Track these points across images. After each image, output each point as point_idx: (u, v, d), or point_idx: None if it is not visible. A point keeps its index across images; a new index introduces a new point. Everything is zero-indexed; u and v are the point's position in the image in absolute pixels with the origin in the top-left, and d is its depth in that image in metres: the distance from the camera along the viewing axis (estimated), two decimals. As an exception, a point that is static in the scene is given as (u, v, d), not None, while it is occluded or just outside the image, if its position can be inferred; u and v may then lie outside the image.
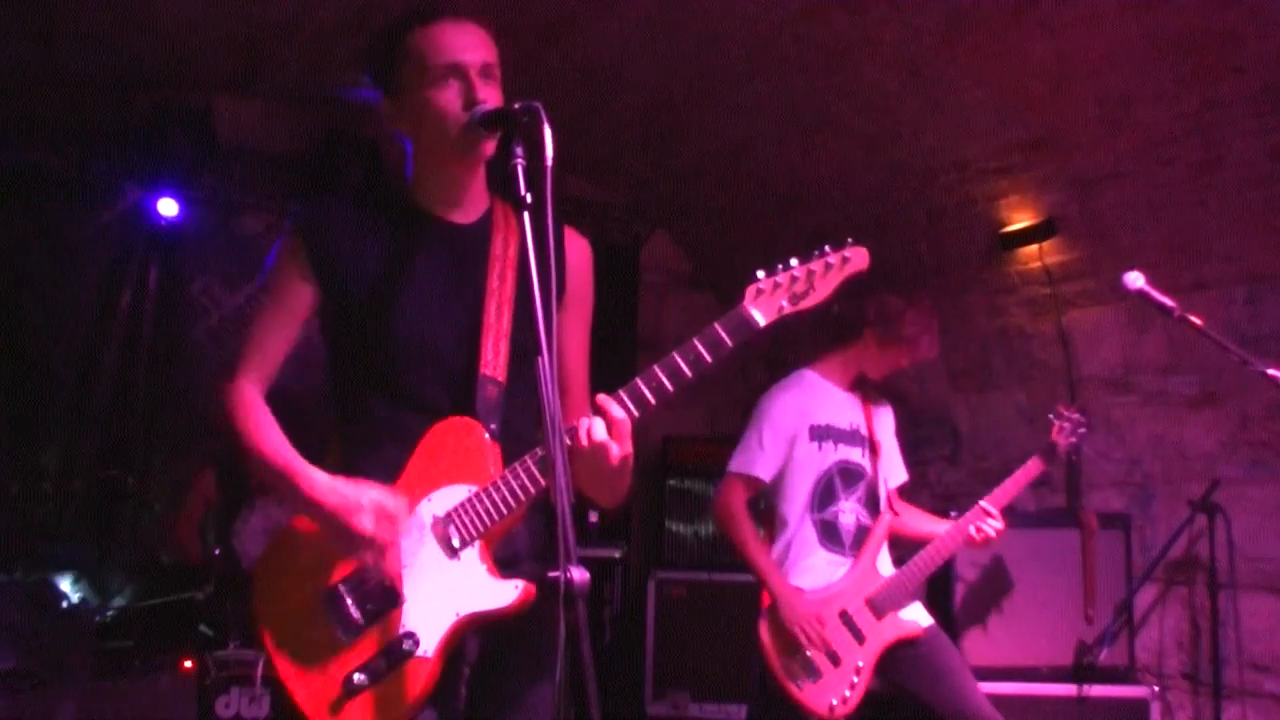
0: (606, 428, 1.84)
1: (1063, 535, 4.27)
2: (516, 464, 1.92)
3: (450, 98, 1.94)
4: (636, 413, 1.88)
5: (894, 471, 3.60)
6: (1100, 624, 4.17)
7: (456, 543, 1.93)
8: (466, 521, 1.93)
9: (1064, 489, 4.72)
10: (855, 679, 3.22)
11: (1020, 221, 4.74)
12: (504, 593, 1.92)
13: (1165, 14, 3.60)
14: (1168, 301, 3.15)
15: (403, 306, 2.01)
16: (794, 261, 1.94)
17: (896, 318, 3.43)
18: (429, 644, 1.91)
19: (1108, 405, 4.62)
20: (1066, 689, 4.03)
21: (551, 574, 1.58)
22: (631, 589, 5.87)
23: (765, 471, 3.39)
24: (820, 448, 3.39)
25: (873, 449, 3.48)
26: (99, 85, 5.07)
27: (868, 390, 3.55)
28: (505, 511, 1.92)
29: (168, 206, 5.22)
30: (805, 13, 4.18)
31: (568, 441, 1.85)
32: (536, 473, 1.91)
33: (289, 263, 2.04)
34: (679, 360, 1.89)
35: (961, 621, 4.20)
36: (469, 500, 1.93)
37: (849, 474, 3.42)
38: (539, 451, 1.91)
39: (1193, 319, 3.12)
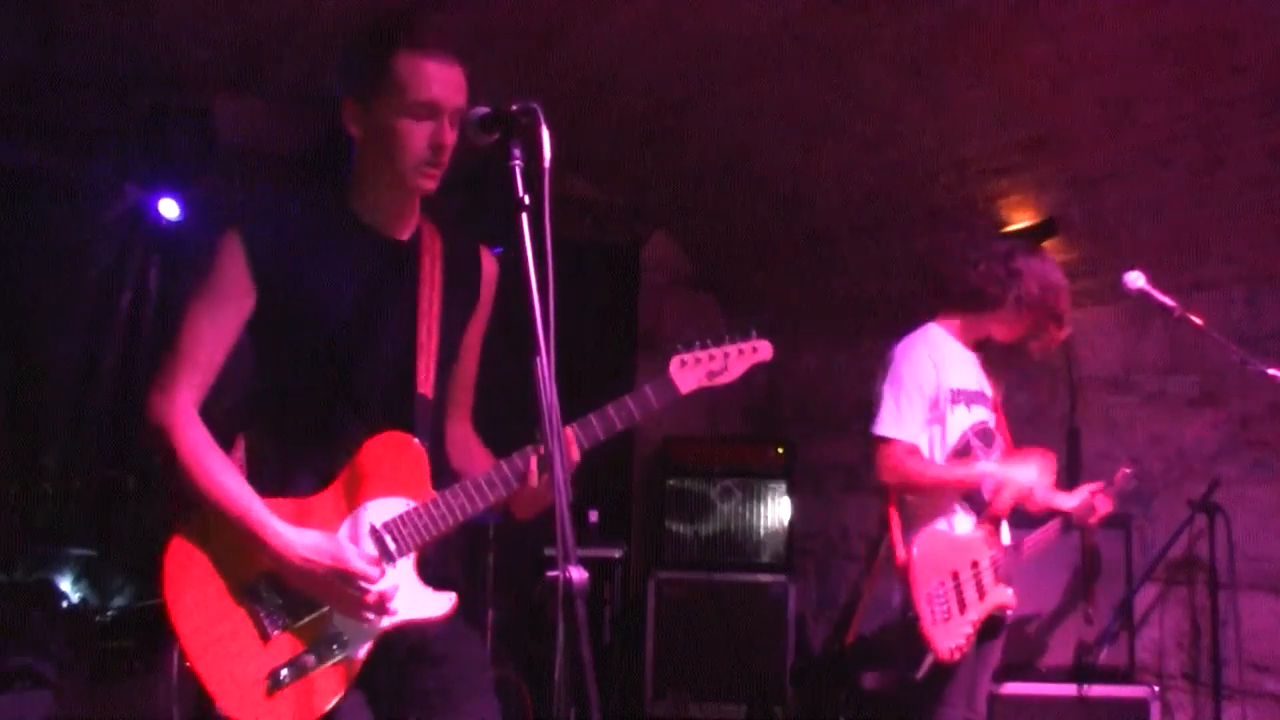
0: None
1: (1063, 535, 4.27)
2: (458, 485, 2.01)
3: (419, 135, 1.99)
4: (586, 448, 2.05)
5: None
6: (1100, 624, 4.17)
7: (394, 552, 1.98)
8: (404, 534, 1.98)
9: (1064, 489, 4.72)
10: (969, 631, 3.18)
11: (1020, 221, 4.73)
12: (437, 603, 2.01)
13: (1165, 14, 3.60)
14: (1168, 301, 3.16)
15: (343, 319, 2.02)
16: (710, 341, 2.20)
17: (1047, 290, 3.35)
18: (359, 647, 1.95)
19: (1108, 405, 4.62)
20: (1066, 689, 4.03)
21: (551, 574, 1.60)
22: (631, 589, 5.87)
23: (915, 434, 3.30)
24: (953, 410, 3.33)
25: (1000, 415, 3.46)
26: (99, 85, 5.07)
27: (987, 354, 3.50)
28: (444, 527, 2.00)
29: (168, 206, 5.21)
30: (805, 13, 4.18)
31: (520, 469, 2.00)
32: (474, 494, 2.00)
33: (229, 265, 1.99)
34: (612, 413, 2.08)
35: (961, 621, 4.20)
36: (408, 514, 1.99)
37: (985, 435, 3.38)
38: (480, 475, 2.01)
39: (1193, 319, 3.13)
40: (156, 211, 5.22)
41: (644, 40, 4.62)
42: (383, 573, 1.94)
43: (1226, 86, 3.71)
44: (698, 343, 2.19)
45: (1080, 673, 4.10)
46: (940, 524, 3.30)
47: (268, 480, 2.00)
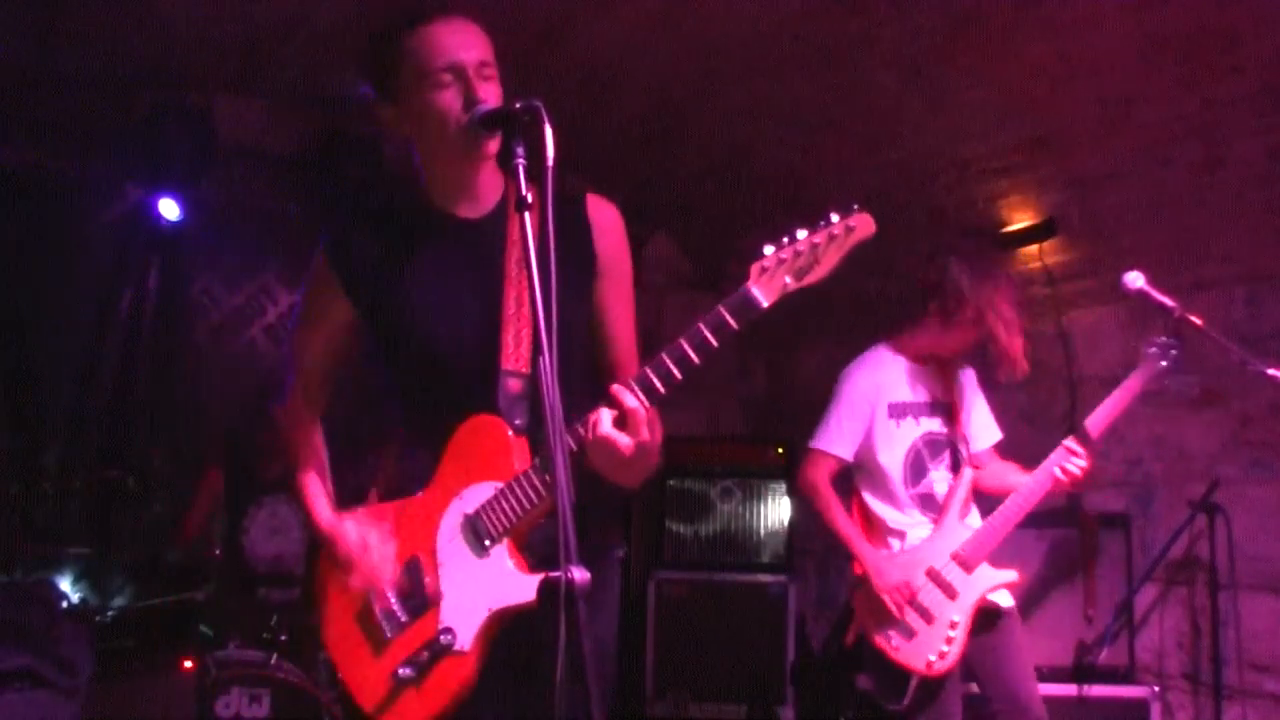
0: (620, 418, 1.84)
1: (1063, 535, 4.27)
2: (538, 458, 1.94)
3: (450, 99, 1.95)
4: (648, 402, 1.85)
5: (983, 432, 3.60)
6: (1100, 624, 4.17)
7: (486, 540, 1.96)
8: (493, 518, 1.96)
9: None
10: (952, 633, 3.23)
11: (1020, 221, 4.73)
12: (530, 587, 1.92)
13: (1165, 14, 3.60)
14: (1168, 301, 3.16)
15: (421, 311, 2.05)
16: (801, 234, 1.85)
17: (959, 298, 3.31)
18: (465, 639, 1.95)
19: (1108, 405, 4.62)
20: (1066, 689, 4.03)
21: (551, 574, 1.59)
22: (631, 589, 5.87)
23: (846, 450, 3.46)
24: (899, 425, 3.43)
25: (952, 414, 3.50)
26: (99, 85, 5.07)
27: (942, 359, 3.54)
28: (529, 506, 1.93)
29: (168, 206, 5.21)
30: (805, 13, 4.18)
31: (580, 434, 1.87)
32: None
33: (317, 282, 2.13)
34: (686, 346, 1.84)
35: (961, 621, 4.20)
36: (495, 497, 1.96)
37: (934, 444, 3.46)
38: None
39: (1193, 319, 3.13)
40: (156, 211, 5.22)
41: (644, 40, 4.62)
42: (381, 547, 2.02)
43: (1226, 86, 3.71)
44: (785, 239, 1.85)
45: (1080, 673, 4.10)
46: (894, 541, 3.40)
47: (392, 483, 2.12)
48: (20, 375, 5.05)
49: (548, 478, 1.90)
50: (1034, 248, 4.72)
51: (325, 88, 5.16)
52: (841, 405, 3.46)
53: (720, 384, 6.43)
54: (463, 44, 1.97)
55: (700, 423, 6.28)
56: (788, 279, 1.84)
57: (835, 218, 1.86)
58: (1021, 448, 3.77)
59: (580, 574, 1.60)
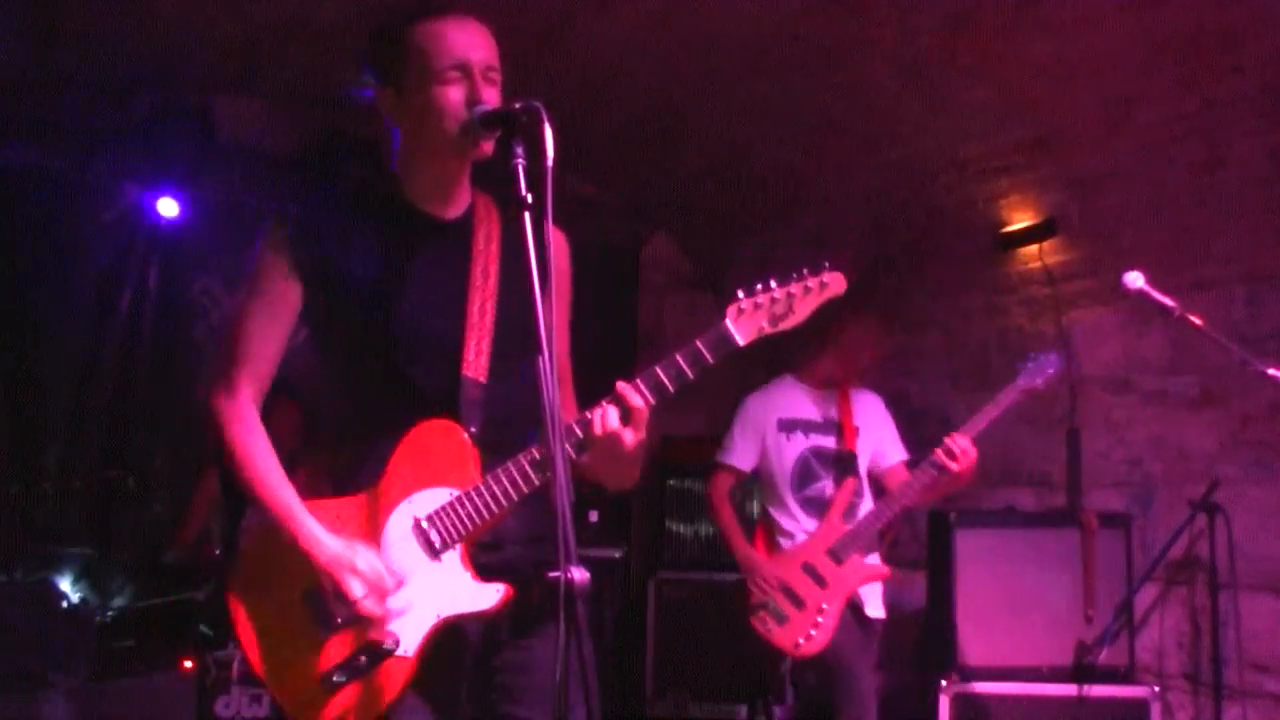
0: (624, 415, 1.88)
1: (1063, 535, 4.27)
2: (500, 469, 1.92)
3: (454, 96, 1.93)
4: (654, 400, 1.91)
5: (888, 452, 3.99)
6: (1100, 624, 4.16)
7: (438, 545, 1.94)
8: (448, 525, 1.94)
9: (1064, 489, 4.72)
10: (820, 619, 3.65)
11: (1020, 221, 4.73)
12: (485, 596, 1.93)
13: (1165, 14, 3.60)
14: (1168, 301, 3.15)
15: (388, 305, 2.00)
16: (774, 283, 1.99)
17: (837, 335, 3.87)
18: (409, 644, 1.92)
19: (1108, 405, 4.62)
20: (1066, 689, 4.03)
21: (551, 574, 1.58)
22: (631, 589, 5.87)
23: (742, 462, 3.99)
24: (789, 438, 3.92)
25: (847, 433, 3.91)
26: (99, 85, 5.07)
27: (847, 384, 3.99)
28: (488, 516, 1.92)
29: (168, 206, 5.22)
30: (805, 13, 4.18)
31: (579, 434, 1.89)
32: (519, 478, 1.91)
33: (273, 261, 2.01)
34: (661, 373, 1.92)
35: (962, 621, 4.20)
36: (451, 504, 1.94)
37: (824, 456, 3.91)
38: (523, 457, 1.92)
39: (1193, 319, 3.12)
40: (156, 211, 5.22)
41: (644, 40, 4.62)
42: (395, 586, 1.90)
43: (1226, 86, 3.71)
44: (759, 285, 1.98)
45: (1080, 673, 4.10)
46: (784, 541, 3.85)
47: (326, 479, 2.02)
48: (20, 375, 5.05)
49: (541, 476, 1.91)
50: (1034, 248, 4.72)
51: (325, 88, 5.17)
52: (738, 424, 4.01)
53: (720, 385, 6.42)
54: (472, 44, 1.96)
55: (700, 423, 6.27)
56: (764, 324, 1.99)
57: (807, 272, 2.01)
58: (1023, 447, 3.79)
59: (580, 574, 1.59)
